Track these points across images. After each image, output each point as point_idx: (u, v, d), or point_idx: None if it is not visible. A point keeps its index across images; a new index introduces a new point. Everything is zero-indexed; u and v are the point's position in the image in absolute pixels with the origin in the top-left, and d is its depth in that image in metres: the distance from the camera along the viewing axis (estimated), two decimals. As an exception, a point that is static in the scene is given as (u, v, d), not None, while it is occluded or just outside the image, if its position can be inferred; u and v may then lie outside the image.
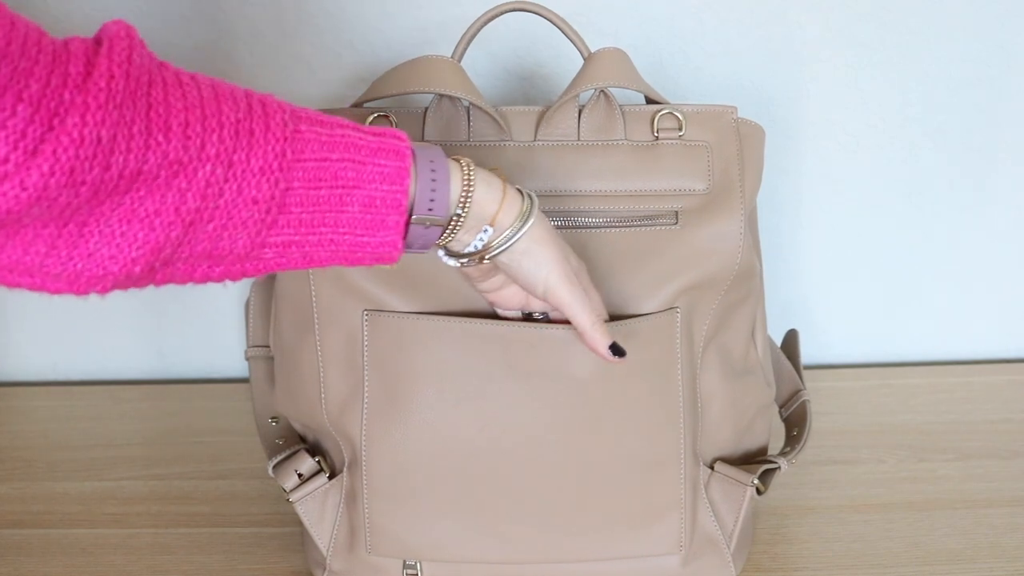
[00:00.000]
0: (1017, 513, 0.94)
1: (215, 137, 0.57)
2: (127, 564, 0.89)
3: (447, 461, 0.78)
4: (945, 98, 1.11)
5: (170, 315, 1.18)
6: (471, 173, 0.66)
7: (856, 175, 1.14)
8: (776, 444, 0.92)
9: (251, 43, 1.06)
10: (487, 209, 0.67)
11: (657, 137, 0.81)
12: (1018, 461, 1.01)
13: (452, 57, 0.82)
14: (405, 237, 0.64)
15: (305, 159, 0.60)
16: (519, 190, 0.69)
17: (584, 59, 0.82)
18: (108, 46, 0.54)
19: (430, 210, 0.64)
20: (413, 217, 0.64)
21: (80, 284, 0.57)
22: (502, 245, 0.68)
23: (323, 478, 0.83)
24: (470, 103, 0.80)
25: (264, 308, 0.92)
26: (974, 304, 1.20)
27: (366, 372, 0.79)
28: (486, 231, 0.67)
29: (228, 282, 0.63)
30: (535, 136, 0.81)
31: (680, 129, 0.81)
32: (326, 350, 0.80)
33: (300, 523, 0.84)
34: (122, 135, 0.54)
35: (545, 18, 0.83)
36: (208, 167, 0.57)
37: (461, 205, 0.65)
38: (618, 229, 0.79)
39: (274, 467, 0.84)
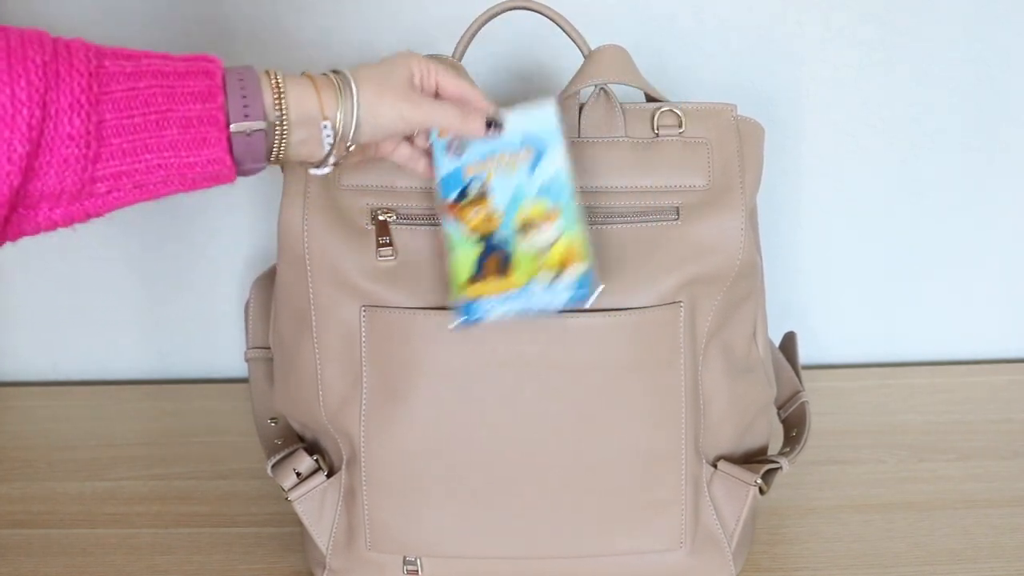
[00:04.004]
0: (1017, 513, 0.94)
1: (23, 82, 0.60)
2: (127, 564, 0.89)
3: (446, 455, 0.79)
4: (945, 98, 1.11)
5: (170, 315, 1.18)
6: (281, 79, 0.69)
7: (856, 175, 1.14)
8: (774, 445, 0.91)
9: (251, 43, 1.06)
10: (308, 106, 0.69)
11: (657, 134, 0.81)
12: (1018, 461, 1.01)
13: (452, 56, 0.82)
14: (232, 152, 0.67)
15: (112, 91, 0.63)
16: (325, 74, 0.71)
17: (584, 57, 0.82)
18: None
19: (246, 116, 0.66)
20: (232, 127, 0.66)
21: None
22: (350, 127, 0.70)
23: (321, 476, 0.83)
24: (471, 100, 0.80)
25: (264, 310, 0.92)
26: (974, 304, 1.20)
27: (364, 368, 0.79)
28: (326, 127, 0.69)
29: (76, 225, 0.65)
30: (536, 133, 0.81)
31: (680, 126, 0.82)
32: (324, 348, 0.80)
33: (300, 523, 0.84)
34: None
35: (545, 15, 0.83)
36: (25, 111, 0.60)
37: (277, 107, 0.68)
38: (619, 225, 0.79)
39: (273, 466, 0.84)
